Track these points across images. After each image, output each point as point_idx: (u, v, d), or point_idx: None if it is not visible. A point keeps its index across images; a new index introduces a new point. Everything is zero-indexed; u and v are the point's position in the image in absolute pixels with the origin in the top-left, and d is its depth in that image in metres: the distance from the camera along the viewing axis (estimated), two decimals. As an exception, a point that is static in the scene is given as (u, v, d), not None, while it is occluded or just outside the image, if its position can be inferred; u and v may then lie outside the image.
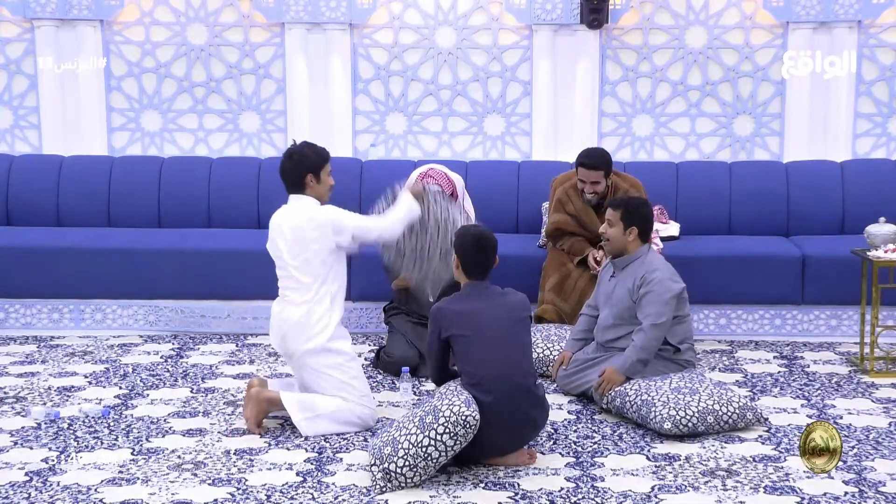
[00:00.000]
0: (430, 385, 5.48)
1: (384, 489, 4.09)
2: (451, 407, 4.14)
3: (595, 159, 5.92)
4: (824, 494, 4.06)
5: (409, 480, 4.11)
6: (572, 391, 5.28)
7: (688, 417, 4.65)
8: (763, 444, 4.63)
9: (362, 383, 4.85)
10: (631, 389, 4.88)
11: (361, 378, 4.86)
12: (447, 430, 4.11)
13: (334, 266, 4.83)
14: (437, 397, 4.26)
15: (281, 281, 4.88)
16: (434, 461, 4.13)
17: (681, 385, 4.82)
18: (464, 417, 4.12)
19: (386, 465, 4.11)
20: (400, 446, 4.12)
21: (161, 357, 6.06)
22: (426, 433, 4.12)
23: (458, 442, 4.14)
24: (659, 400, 4.73)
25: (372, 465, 4.16)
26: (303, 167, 4.85)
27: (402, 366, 5.49)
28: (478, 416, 4.15)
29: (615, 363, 4.99)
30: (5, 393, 5.37)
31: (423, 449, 4.10)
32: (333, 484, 4.19)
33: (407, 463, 4.09)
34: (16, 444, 4.64)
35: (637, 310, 5.04)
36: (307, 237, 4.77)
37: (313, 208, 4.85)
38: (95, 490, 4.13)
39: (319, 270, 4.78)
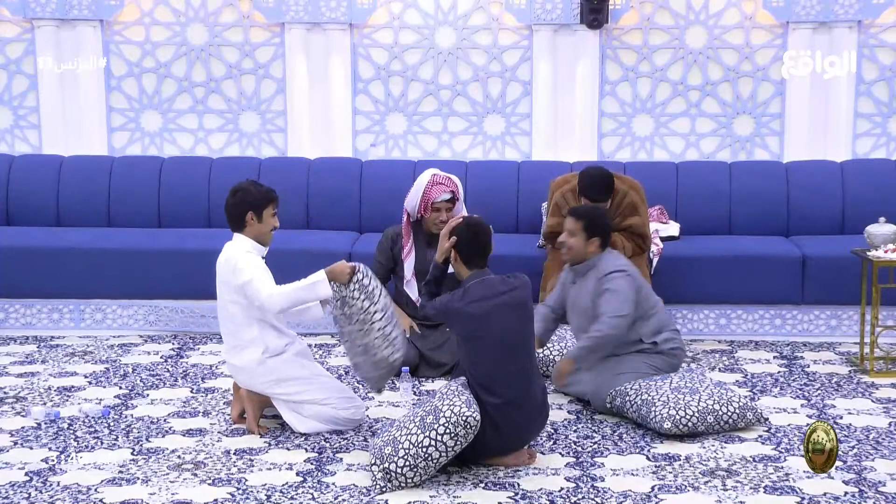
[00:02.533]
0: (430, 385, 5.48)
1: (384, 489, 4.10)
2: (451, 407, 4.14)
3: (601, 192, 5.76)
4: (824, 494, 4.06)
5: (409, 480, 4.11)
6: (569, 392, 5.28)
7: (688, 417, 4.65)
8: (763, 444, 4.63)
9: (336, 391, 4.82)
10: (631, 389, 4.87)
11: (332, 388, 4.83)
12: (448, 431, 4.11)
13: (255, 319, 4.73)
14: (437, 397, 4.26)
15: (222, 326, 4.85)
16: (434, 461, 4.13)
17: (681, 385, 4.82)
18: (464, 418, 4.11)
19: (386, 464, 4.11)
20: (400, 446, 4.12)
21: (161, 357, 6.06)
22: (427, 433, 4.11)
23: (458, 443, 4.14)
24: (659, 399, 4.73)
25: (372, 465, 4.16)
26: (243, 205, 4.76)
27: (402, 366, 5.48)
28: (478, 417, 4.15)
29: (567, 355, 5.05)
30: (5, 393, 5.37)
31: (424, 449, 4.10)
32: (333, 484, 4.19)
33: (407, 463, 4.09)
34: (16, 444, 4.64)
35: (596, 310, 5.02)
36: (222, 277, 4.75)
37: (233, 249, 4.75)
38: (95, 490, 4.13)
39: (239, 315, 4.72)
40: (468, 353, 4.34)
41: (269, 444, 4.64)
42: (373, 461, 4.17)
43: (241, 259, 4.69)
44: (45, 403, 5.19)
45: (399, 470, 4.09)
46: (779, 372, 5.75)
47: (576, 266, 5.19)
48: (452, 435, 4.11)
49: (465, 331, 4.32)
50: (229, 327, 4.78)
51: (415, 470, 4.11)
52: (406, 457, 4.10)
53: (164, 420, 4.96)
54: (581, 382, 5.17)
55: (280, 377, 4.74)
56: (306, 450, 4.57)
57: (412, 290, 5.84)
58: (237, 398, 4.93)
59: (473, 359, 4.32)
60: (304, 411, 4.75)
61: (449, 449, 4.13)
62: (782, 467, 4.34)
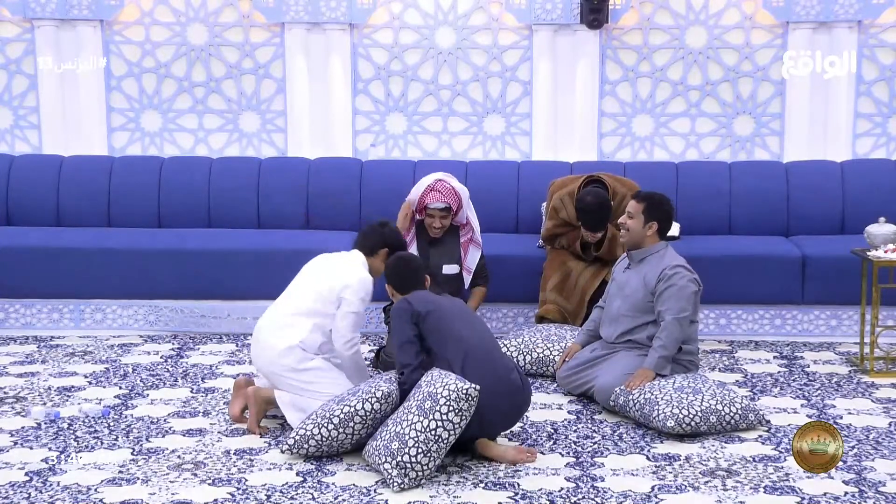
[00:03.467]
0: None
1: (402, 484, 4.09)
2: (447, 386, 4.18)
3: (600, 222, 5.82)
4: (824, 494, 4.06)
5: (424, 467, 4.12)
6: (573, 391, 5.28)
7: (691, 416, 4.65)
8: (763, 444, 4.63)
9: (344, 389, 4.80)
10: (635, 388, 4.88)
11: (343, 385, 4.80)
12: (452, 408, 4.13)
13: (319, 321, 4.84)
14: (425, 385, 4.28)
15: (279, 306, 4.93)
16: (445, 442, 4.15)
17: (684, 385, 4.83)
18: (465, 392, 4.15)
19: (398, 458, 4.11)
20: (407, 437, 4.13)
21: (161, 357, 6.06)
22: (431, 416, 4.13)
23: (463, 417, 4.17)
24: (662, 399, 4.73)
25: (383, 463, 4.16)
26: (389, 240, 5.03)
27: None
28: (477, 387, 4.19)
29: (645, 364, 4.98)
30: (5, 393, 5.37)
31: (432, 432, 4.12)
32: (333, 484, 4.19)
33: (420, 450, 4.10)
34: (16, 444, 4.64)
35: (657, 303, 5.05)
36: (331, 275, 4.88)
37: (361, 270, 4.93)
38: (95, 490, 4.13)
39: (312, 309, 4.83)
40: (434, 329, 4.44)
41: (269, 444, 4.64)
42: (383, 460, 4.16)
43: (361, 280, 4.85)
44: (45, 403, 5.19)
45: (413, 459, 4.10)
46: (779, 372, 5.75)
47: (632, 251, 5.21)
48: (457, 411, 4.14)
49: (424, 305, 4.45)
50: (290, 308, 4.84)
51: (428, 455, 4.12)
52: (416, 444, 4.11)
53: (164, 420, 4.96)
54: (587, 381, 5.18)
55: (300, 367, 4.77)
56: (306, 450, 4.57)
57: None
58: (239, 395, 4.93)
59: (440, 332, 4.43)
60: (309, 407, 4.73)
61: (456, 426, 4.16)
62: (782, 467, 4.34)
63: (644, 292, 5.10)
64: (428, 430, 4.12)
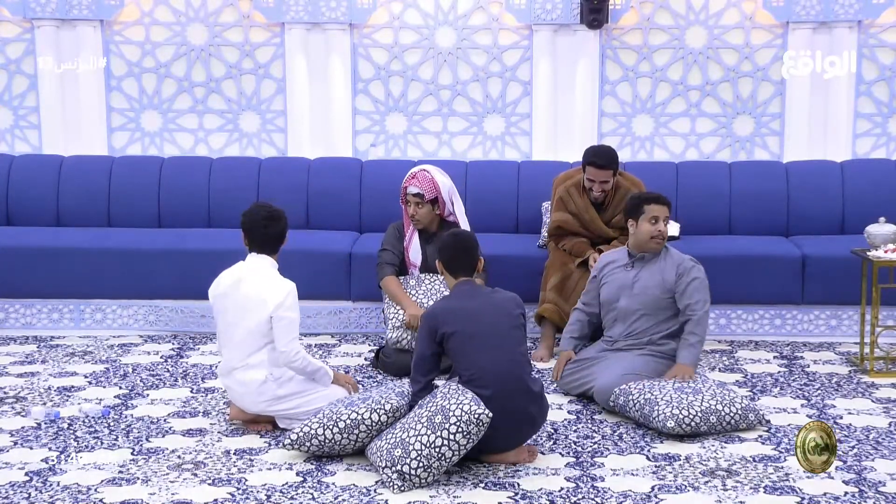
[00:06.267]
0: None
1: (402, 488, 4.11)
2: (460, 406, 4.16)
3: (606, 159, 5.95)
4: (824, 494, 4.06)
5: (423, 480, 4.12)
6: (572, 391, 5.28)
7: (691, 416, 4.65)
8: (763, 444, 4.63)
9: (334, 398, 4.78)
10: (634, 389, 4.88)
11: (330, 397, 4.80)
12: (460, 430, 4.12)
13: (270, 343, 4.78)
14: (440, 396, 4.26)
15: (232, 356, 4.82)
16: (448, 461, 4.15)
17: (684, 385, 4.83)
18: (476, 416, 4.13)
19: (399, 467, 4.11)
20: (412, 448, 4.12)
21: (161, 357, 6.06)
22: (438, 433, 4.12)
23: (470, 440, 4.16)
24: (662, 399, 4.73)
25: (384, 468, 4.16)
26: (286, 228, 4.97)
27: (401, 367, 5.48)
28: (490, 414, 4.17)
29: (685, 360, 5.07)
30: (5, 393, 5.37)
31: (437, 449, 4.11)
32: (333, 484, 4.19)
33: (421, 464, 4.10)
34: (16, 444, 4.64)
35: (682, 298, 5.14)
36: (252, 300, 4.76)
37: (279, 282, 4.81)
38: (95, 490, 4.13)
39: (258, 338, 4.75)
40: (457, 351, 4.37)
41: (269, 444, 4.65)
42: (384, 464, 4.17)
43: (289, 293, 4.75)
44: (45, 403, 5.19)
45: (413, 472, 4.10)
46: (779, 372, 5.75)
47: (636, 250, 5.31)
48: (465, 433, 4.13)
49: (450, 325, 4.37)
50: (238, 354, 4.78)
51: (428, 470, 4.12)
52: (419, 458, 4.11)
53: (164, 420, 4.96)
54: (586, 381, 5.18)
55: (280, 395, 4.77)
56: (306, 450, 4.57)
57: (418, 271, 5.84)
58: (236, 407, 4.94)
59: (462, 356, 4.36)
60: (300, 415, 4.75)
61: (462, 447, 4.15)
62: (782, 467, 4.34)
63: (662, 289, 5.15)
64: (433, 446, 4.11)
